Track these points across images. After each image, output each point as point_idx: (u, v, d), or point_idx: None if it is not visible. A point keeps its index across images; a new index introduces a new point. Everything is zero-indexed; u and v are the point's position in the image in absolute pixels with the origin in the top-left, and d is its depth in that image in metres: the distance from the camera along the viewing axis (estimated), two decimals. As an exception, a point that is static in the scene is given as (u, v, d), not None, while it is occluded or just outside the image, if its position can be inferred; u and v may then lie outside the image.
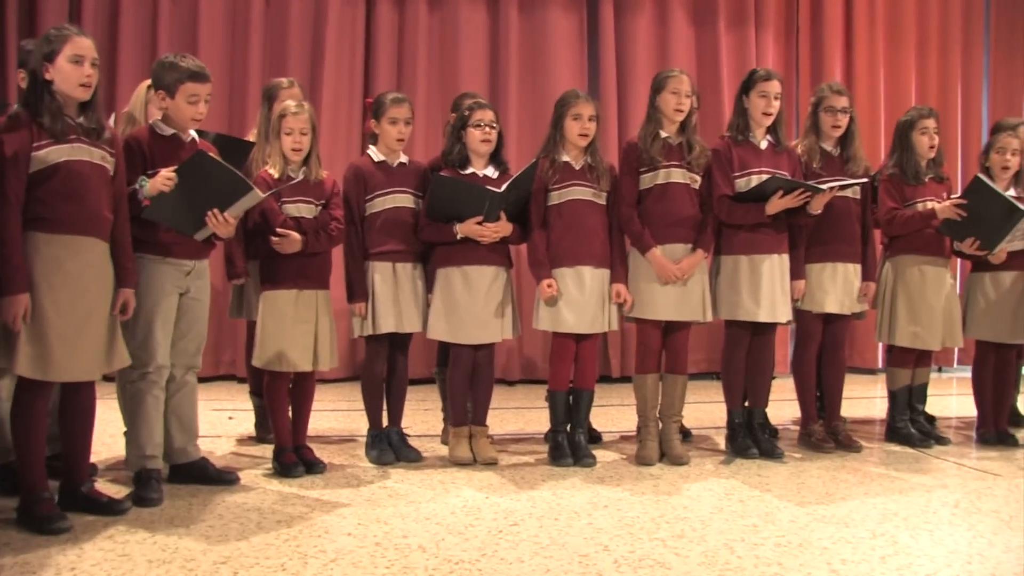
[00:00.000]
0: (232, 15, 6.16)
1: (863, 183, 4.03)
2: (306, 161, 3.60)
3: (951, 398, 6.09)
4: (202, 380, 5.89)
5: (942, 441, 4.29)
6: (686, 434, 4.37)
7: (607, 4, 6.50)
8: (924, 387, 4.42)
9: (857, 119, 4.19)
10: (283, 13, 6.20)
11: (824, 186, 3.80)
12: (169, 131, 3.25)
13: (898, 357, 4.33)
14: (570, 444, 3.87)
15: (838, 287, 4.11)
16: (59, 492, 2.96)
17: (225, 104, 5.96)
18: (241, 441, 4.25)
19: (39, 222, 2.76)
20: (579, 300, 3.78)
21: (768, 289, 3.89)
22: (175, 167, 3.06)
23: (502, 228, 3.75)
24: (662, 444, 3.92)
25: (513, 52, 6.39)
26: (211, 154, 3.18)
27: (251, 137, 4.14)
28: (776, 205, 3.80)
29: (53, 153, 2.78)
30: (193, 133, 3.34)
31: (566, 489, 3.40)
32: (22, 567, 2.44)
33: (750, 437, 4.02)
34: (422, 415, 4.85)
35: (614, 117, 6.35)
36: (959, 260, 4.59)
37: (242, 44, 6.14)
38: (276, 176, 3.54)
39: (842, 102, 4.09)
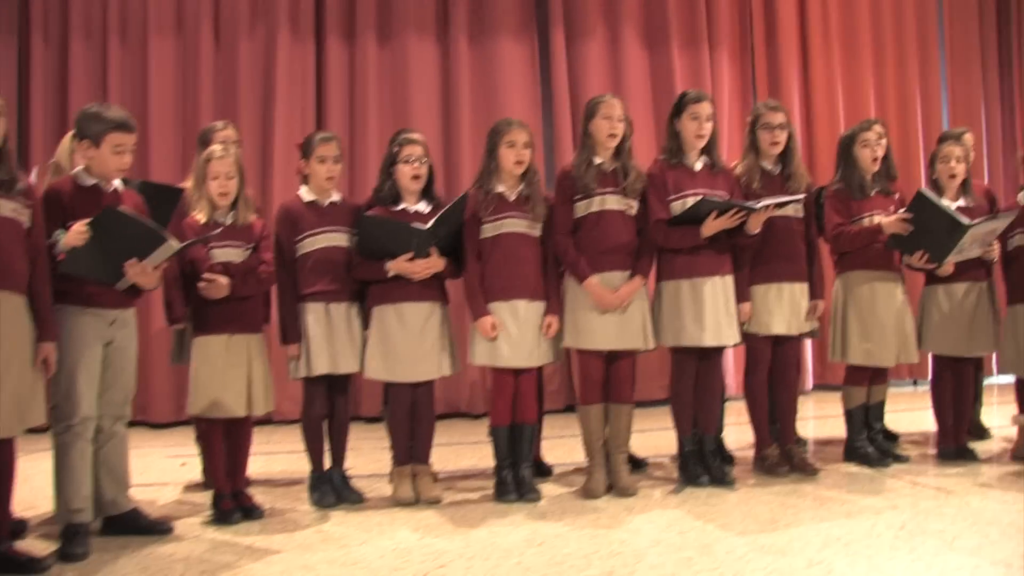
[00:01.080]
0: (183, 59, 6.23)
1: (800, 200, 4.00)
2: (234, 205, 3.61)
3: (926, 412, 6.02)
4: (161, 426, 6.00)
5: (900, 459, 4.27)
6: (639, 463, 4.35)
7: (558, 31, 6.54)
8: (881, 404, 4.39)
9: (796, 135, 4.20)
10: (232, 54, 6.27)
11: (758, 204, 3.79)
12: (91, 181, 3.26)
13: (852, 375, 4.31)
14: (515, 479, 3.84)
15: (785, 308, 4.09)
16: (-19, 551, 2.95)
17: (178, 149, 6.00)
18: (189, 488, 4.23)
19: (-54, 278, 2.77)
20: (515, 334, 3.77)
21: (712, 312, 3.87)
22: (88, 221, 3.07)
23: (433, 264, 3.74)
24: (610, 475, 3.89)
25: (465, 83, 6.43)
26: (123, 207, 3.18)
27: (189, 182, 4.16)
28: (711, 227, 3.78)
29: (-42, 208, 2.80)
30: (117, 183, 3.35)
31: (504, 527, 3.37)
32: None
33: (701, 465, 3.99)
34: (379, 454, 4.81)
35: (568, 144, 6.36)
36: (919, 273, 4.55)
37: (193, 88, 6.19)
38: (203, 221, 3.55)
39: (778, 118, 4.09)
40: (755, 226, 3.84)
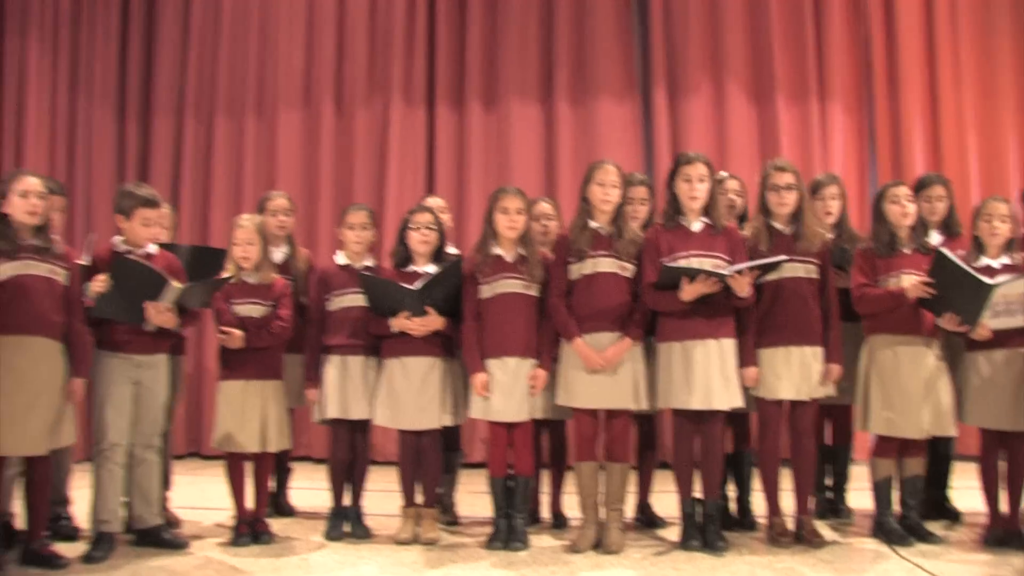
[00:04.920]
0: (307, 129, 7.28)
1: (780, 260, 4.05)
2: (258, 266, 4.33)
3: None
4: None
5: (929, 539, 4.14)
6: (656, 522, 4.54)
7: (660, 89, 6.86)
8: (916, 479, 4.27)
9: (807, 194, 4.27)
10: (351, 123, 7.22)
11: (727, 270, 3.94)
12: (124, 248, 4.11)
13: (879, 446, 4.27)
14: (507, 528, 4.20)
15: (794, 372, 4.16)
16: (22, 546, 3.84)
17: (303, 210, 6.89)
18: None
19: (-7, 326, 3.69)
20: (505, 389, 4.17)
21: (702, 375, 4.04)
22: (108, 270, 3.90)
23: (429, 322, 4.25)
24: (601, 532, 4.14)
25: (566, 144, 6.93)
26: (130, 256, 4.01)
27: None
28: (688, 292, 3.98)
29: (3, 270, 3.70)
30: (152, 247, 4.17)
31: (463, 571, 3.79)
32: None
33: (697, 528, 4.13)
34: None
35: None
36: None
37: (315, 155, 7.20)
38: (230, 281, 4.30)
39: (785, 179, 4.21)
40: (740, 289, 3.98)
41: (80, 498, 4.32)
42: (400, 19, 7.16)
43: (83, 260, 4.15)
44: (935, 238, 4.58)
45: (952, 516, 4.63)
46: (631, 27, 7.06)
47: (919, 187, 4.71)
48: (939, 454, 4.60)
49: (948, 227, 4.65)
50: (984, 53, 6.81)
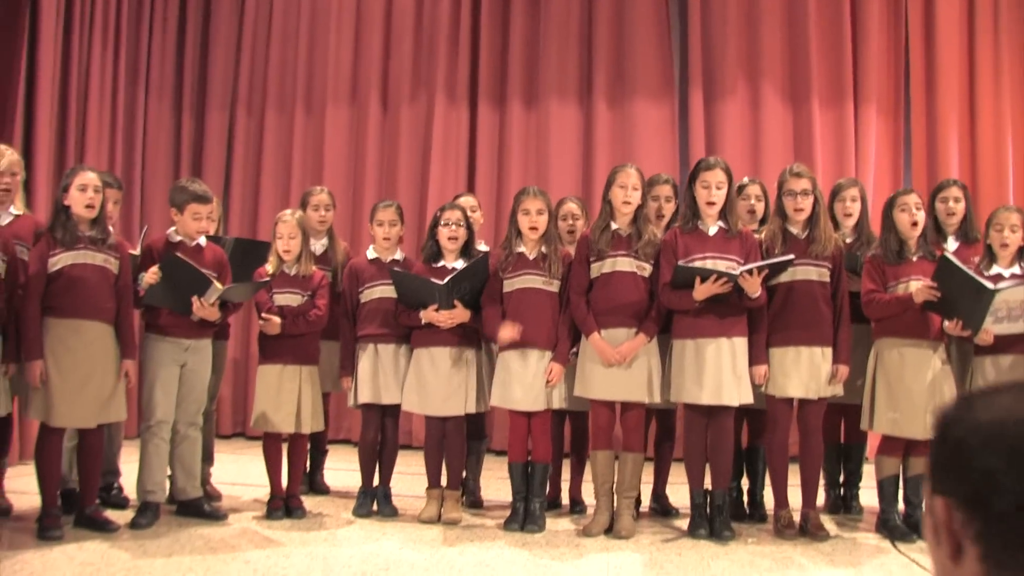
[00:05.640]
0: (354, 125, 7.63)
1: (787, 260, 4.26)
2: (299, 258, 4.64)
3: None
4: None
5: (930, 537, 4.30)
6: (668, 511, 4.77)
7: (696, 91, 7.06)
8: (919, 478, 4.43)
9: (823, 199, 4.45)
10: (396, 119, 7.55)
11: (737, 270, 4.15)
12: (178, 239, 4.47)
13: (884, 445, 4.46)
14: (525, 511, 4.48)
15: (803, 371, 4.37)
16: (76, 511, 4.21)
17: (347, 205, 7.28)
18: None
19: (50, 310, 4.03)
20: (524, 379, 4.45)
21: (713, 372, 4.28)
22: (159, 264, 4.24)
23: (456, 315, 4.55)
24: (614, 518, 4.39)
25: (603, 144, 7.16)
26: (179, 255, 4.35)
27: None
28: (700, 291, 4.21)
29: (62, 259, 4.05)
30: (201, 239, 4.50)
31: (476, 549, 4.09)
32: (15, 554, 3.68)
33: (706, 517, 4.36)
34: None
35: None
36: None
37: (361, 150, 7.55)
38: (270, 271, 4.62)
39: (801, 184, 4.40)
40: (751, 290, 4.20)
41: (129, 471, 4.69)
42: (445, 19, 7.47)
43: (135, 250, 4.51)
44: (952, 245, 4.73)
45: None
46: (669, 29, 7.27)
47: (936, 191, 4.87)
48: (948, 456, 4.76)
49: (965, 233, 4.79)
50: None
